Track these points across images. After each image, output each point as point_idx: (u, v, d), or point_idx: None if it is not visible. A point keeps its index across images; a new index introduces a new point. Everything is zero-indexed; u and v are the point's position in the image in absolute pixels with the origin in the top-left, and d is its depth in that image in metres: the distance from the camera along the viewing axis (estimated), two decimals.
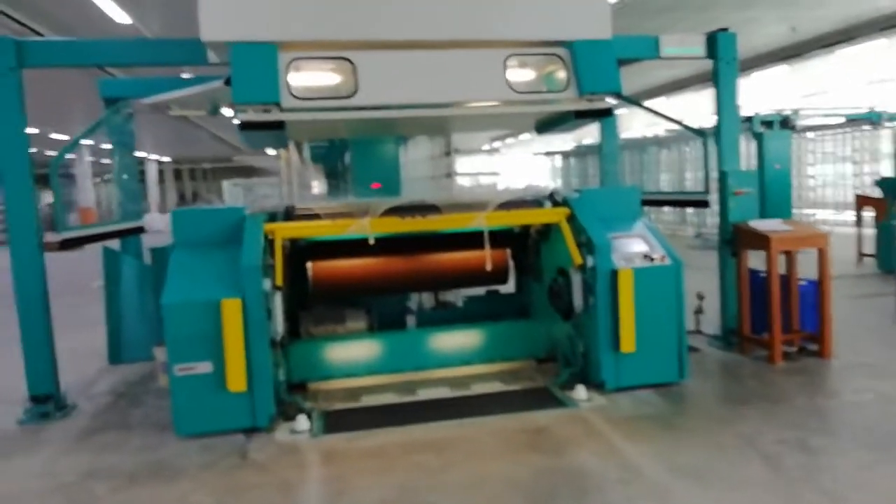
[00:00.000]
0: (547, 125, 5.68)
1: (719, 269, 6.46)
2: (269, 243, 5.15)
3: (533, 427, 4.64)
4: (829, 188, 15.67)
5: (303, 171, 10.72)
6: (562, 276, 5.76)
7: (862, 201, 11.72)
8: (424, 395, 5.46)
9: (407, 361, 5.96)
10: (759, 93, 16.23)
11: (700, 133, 6.58)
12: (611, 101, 4.91)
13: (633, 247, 5.42)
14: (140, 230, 7.13)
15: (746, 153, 15.35)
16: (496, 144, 30.88)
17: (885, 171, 14.52)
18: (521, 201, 5.72)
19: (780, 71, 15.38)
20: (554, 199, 5.74)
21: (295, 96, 4.55)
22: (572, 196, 5.71)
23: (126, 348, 6.91)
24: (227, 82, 4.71)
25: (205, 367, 4.63)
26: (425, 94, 4.69)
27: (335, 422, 4.92)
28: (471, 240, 6.07)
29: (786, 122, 14.17)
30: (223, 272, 4.83)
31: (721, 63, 6.21)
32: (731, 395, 5.16)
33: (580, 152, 24.73)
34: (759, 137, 14.16)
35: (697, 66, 17.07)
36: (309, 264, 5.96)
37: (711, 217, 16.88)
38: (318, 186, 16.01)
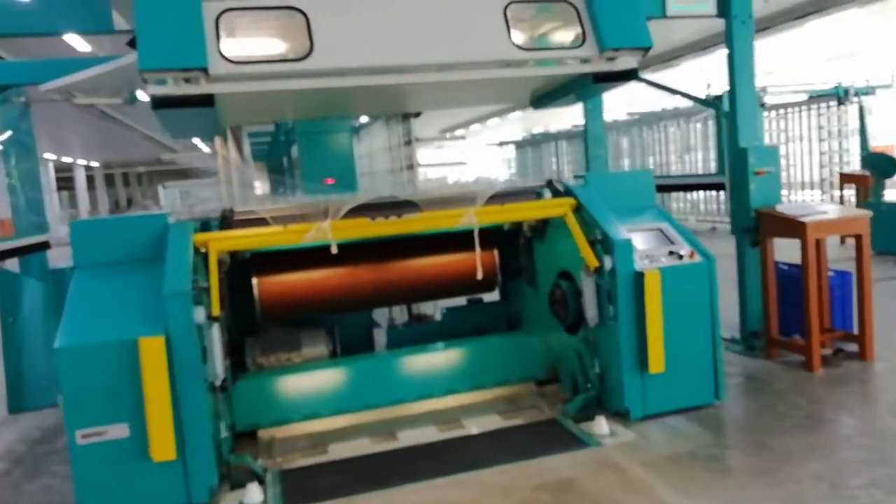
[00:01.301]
0: (547, 96, 4.65)
1: (737, 261, 5.58)
2: (202, 259, 4.00)
3: (554, 480, 3.64)
4: (793, 168, 15.19)
5: (244, 169, 9.46)
6: (565, 279, 4.79)
7: (845, 179, 11.15)
8: (407, 439, 4.39)
9: (380, 394, 4.87)
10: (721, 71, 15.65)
11: (712, 105, 5.69)
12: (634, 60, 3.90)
13: (654, 242, 4.48)
14: (44, 246, 5.83)
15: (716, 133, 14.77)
16: (457, 132, 29.65)
17: (853, 148, 14.10)
18: (513, 192, 4.69)
19: None
20: (554, 188, 4.73)
21: (228, 59, 3.38)
22: (576, 184, 4.73)
23: (29, 393, 5.60)
24: (132, 44, 3.51)
25: (119, 432, 3.46)
26: (403, 55, 3.57)
27: (298, 487, 3.82)
28: (449, 241, 5.06)
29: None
30: (140, 301, 3.66)
31: (735, 22, 5.33)
32: (780, 417, 4.27)
33: (535, 141, 23.99)
34: (728, 117, 13.56)
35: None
36: (255, 280, 4.82)
37: (675, 202, 16.27)
38: (260, 187, 14.68)
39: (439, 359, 5.13)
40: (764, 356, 5.36)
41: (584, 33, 3.74)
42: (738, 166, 5.33)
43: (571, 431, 4.26)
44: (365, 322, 5.72)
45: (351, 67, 3.51)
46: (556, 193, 4.70)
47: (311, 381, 4.89)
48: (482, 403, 4.89)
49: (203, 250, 4.01)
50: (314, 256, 4.88)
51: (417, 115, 9.12)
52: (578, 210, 4.51)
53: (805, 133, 14.70)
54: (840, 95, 14.29)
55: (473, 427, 4.49)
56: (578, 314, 4.70)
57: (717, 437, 4.02)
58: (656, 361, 4.17)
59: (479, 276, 4.55)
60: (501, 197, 4.58)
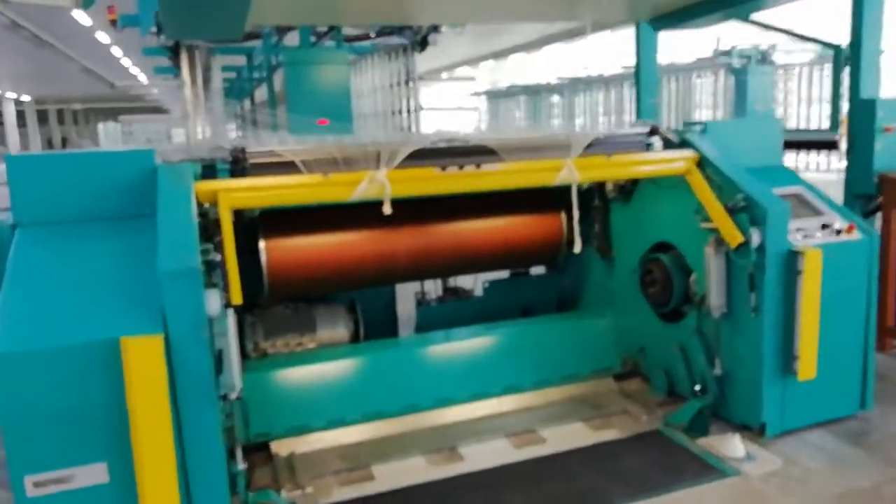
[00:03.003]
0: (681, 12, 3.49)
1: None
2: (202, 217, 2.80)
3: None
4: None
5: (213, 105, 8.01)
6: (665, 253, 3.78)
7: None
8: (475, 458, 3.34)
9: (424, 391, 3.81)
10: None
11: (834, 47, 4.69)
12: None
13: (797, 211, 3.48)
14: None
15: (723, 91, 13.91)
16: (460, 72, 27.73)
17: None
18: (615, 141, 3.59)
19: None
20: (665, 137, 3.65)
21: None
22: (692, 133, 3.66)
23: None
24: None
25: (92, 476, 2.30)
26: None
27: None
28: (505, 199, 3.99)
29: (764, 58, 12.77)
30: (118, 280, 2.46)
31: None
32: None
33: (512, 92, 22.83)
34: (737, 74, 12.69)
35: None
36: (263, 244, 3.65)
37: None
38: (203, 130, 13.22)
39: (493, 345, 4.09)
40: (875, 347, 4.49)
41: None
42: (860, 121, 4.36)
43: (692, 452, 3.28)
44: (387, 295, 4.61)
45: None
46: (668, 144, 3.63)
47: (333, 374, 3.79)
48: (554, 405, 3.89)
49: (206, 204, 2.81)
50: (337, 215, 3.77)
51: (423, 47, 7.87)
52: (701, 166, 3.47)
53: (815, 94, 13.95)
54: (846, 57, 13.59)
55: (557, 440, 3.47)
56: (684, 298, 3.72)
57: (888, 465, 3.11)
58: (808, 366, 3.22)
59: (578, 248, 3.49)
60: (600, 146, 3.49)
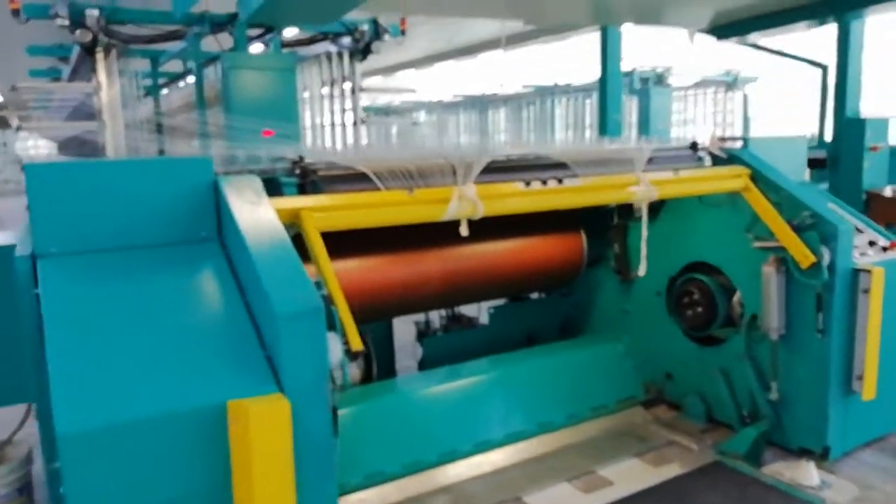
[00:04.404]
0: (751, 19, 3.39)
1: None
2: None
3: None
4: None
5: (136, 107, 7.09)
6: (703, 274, 3.67)
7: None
8: None
9: (461, 434, 3.42)
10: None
11: (821, 67, 4.84)
12: None
13: None
14: None
15: (627, 111, 14.51)
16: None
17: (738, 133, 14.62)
18: (668, 157, 3.43)
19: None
20: (711, 153, 3.54)
21: None
22: (737, 148, 3.58)
23: None
24: None
25: None
26: None
27: None
28: (518, 219, 3.63)
29: (660, 80, 13.55)
30: (194, 326, 1.92)
31: None
32: None
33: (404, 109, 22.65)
34: (640, 94, 13.31)
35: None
36: None
37: None
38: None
39: (518, 379, 3.77)
40: None
41: None
42: (847, 139, 4.52)
43: (766, 483, 3.15)
44: (383, 326, 4.19)
45: None
46: (716, 160, 3.52)
47: (360, 421, 3.29)
48: (596, 441, 3.63)
49: (291, 226, 2.30)
50: (354, 235, 3.32)
51: (366, 55, 7.45)
52: (754, 182, 3.40)
53: (698, 117, 14.98)
54: (729, 82, 14.80)
55: (622, 481, 3.21)
56: (724, 320, 3.63)
57: None
58: (871, 385, 3.21)
59: (643, 271, 3.27)
60: (658, 161, 3.32)
